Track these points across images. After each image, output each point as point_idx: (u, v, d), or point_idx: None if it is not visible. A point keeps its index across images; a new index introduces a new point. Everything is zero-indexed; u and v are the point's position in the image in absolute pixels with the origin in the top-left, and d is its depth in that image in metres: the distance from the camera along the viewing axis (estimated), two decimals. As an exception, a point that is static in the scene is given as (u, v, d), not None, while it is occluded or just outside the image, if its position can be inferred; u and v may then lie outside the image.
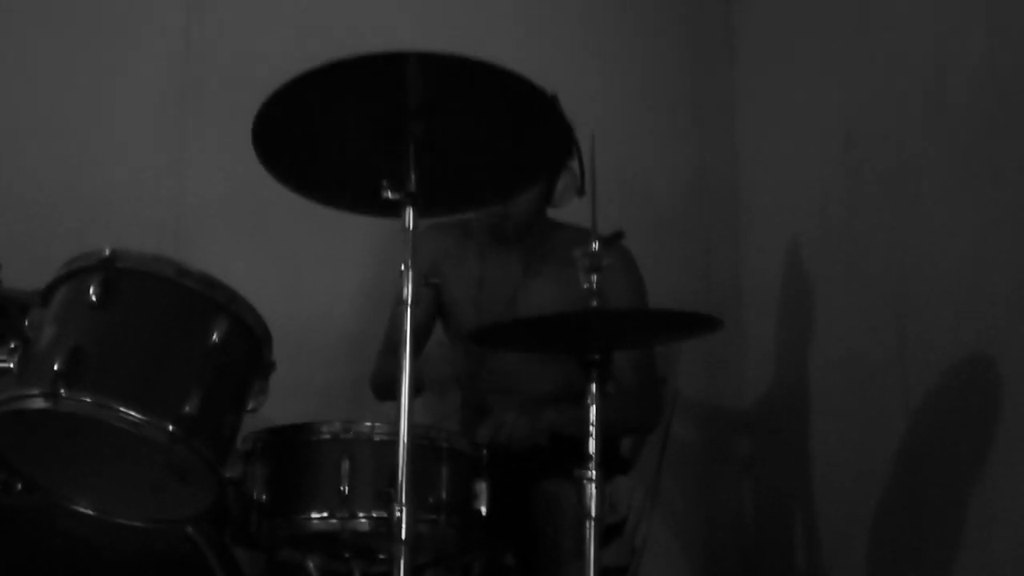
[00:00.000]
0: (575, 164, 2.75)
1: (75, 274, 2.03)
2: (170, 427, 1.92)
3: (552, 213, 2.86)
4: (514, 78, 1.85)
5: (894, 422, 2.83)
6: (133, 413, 1.91)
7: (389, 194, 1.94)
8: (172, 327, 2.04)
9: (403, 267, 1.93)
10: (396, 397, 1.92)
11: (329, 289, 3.44)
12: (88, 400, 1.91)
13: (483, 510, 2.26)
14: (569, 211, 2.78)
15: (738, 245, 3.73)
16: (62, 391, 1.89)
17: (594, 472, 2.12)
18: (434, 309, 2.91)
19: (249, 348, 2.09)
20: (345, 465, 2.13)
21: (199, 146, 3.41)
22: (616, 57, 3.74)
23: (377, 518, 2.10)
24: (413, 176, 1.93)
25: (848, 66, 3.16)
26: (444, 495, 2.19)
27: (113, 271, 2.00)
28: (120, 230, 3.22)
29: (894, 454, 2.84)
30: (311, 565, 2.30)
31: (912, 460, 2.79)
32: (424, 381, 2.60)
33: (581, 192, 2.75)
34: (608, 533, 2.58)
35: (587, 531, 2.12)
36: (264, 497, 2.17)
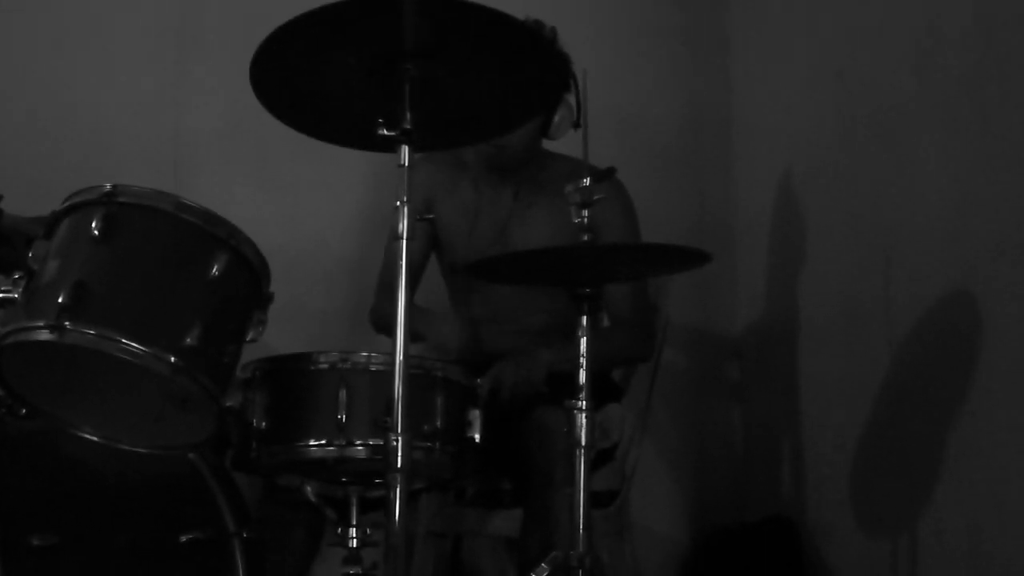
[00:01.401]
0: (571, 97, 2.73)
1: (77, 208, 2.04)
2: (172, 359, 1.94)
3: (547, 144, 2.85)
4: (508, 21, 1.86)
5: (879, 354, 2.86)
6: (136, 345, 1.93)
7: (385, 131, 1.94)
8: (173, 261, 2.05)
9: (398, 203, 1.94)
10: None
11: (326, 217, 3.45)
12: (92, 333, 1.93)
13: (477, 437, 2.26)
14: (564, 143, 2.79)
15: (731, 178, 3.73)
16: (67, 324, 1.91)
17: (584, 403, 2.17)
18: (429, 243, 2.91)
19: (248, 281, 2.10)
20: (342, 394, 2.14)
21: (197, 76, 3.40)
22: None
23: (373, 446, 2.11)
24: (408, 115, 1.94)
25: (841, 3, 3.14)
26: (439, 423, 2.20)
27: (115, 205, 2.01)
28: (119, 160, 3.24)
29: (879, 384, 2.88)
30: (309, 490, 2.33)
31: (896, 391, 2.83)
32: (426, 341, 2.64)
33: (577, 125, 2.73)
34: (599, 458, 2.64)
35: (577, 459, 2.16)
36: (263, 424, 2.18)
